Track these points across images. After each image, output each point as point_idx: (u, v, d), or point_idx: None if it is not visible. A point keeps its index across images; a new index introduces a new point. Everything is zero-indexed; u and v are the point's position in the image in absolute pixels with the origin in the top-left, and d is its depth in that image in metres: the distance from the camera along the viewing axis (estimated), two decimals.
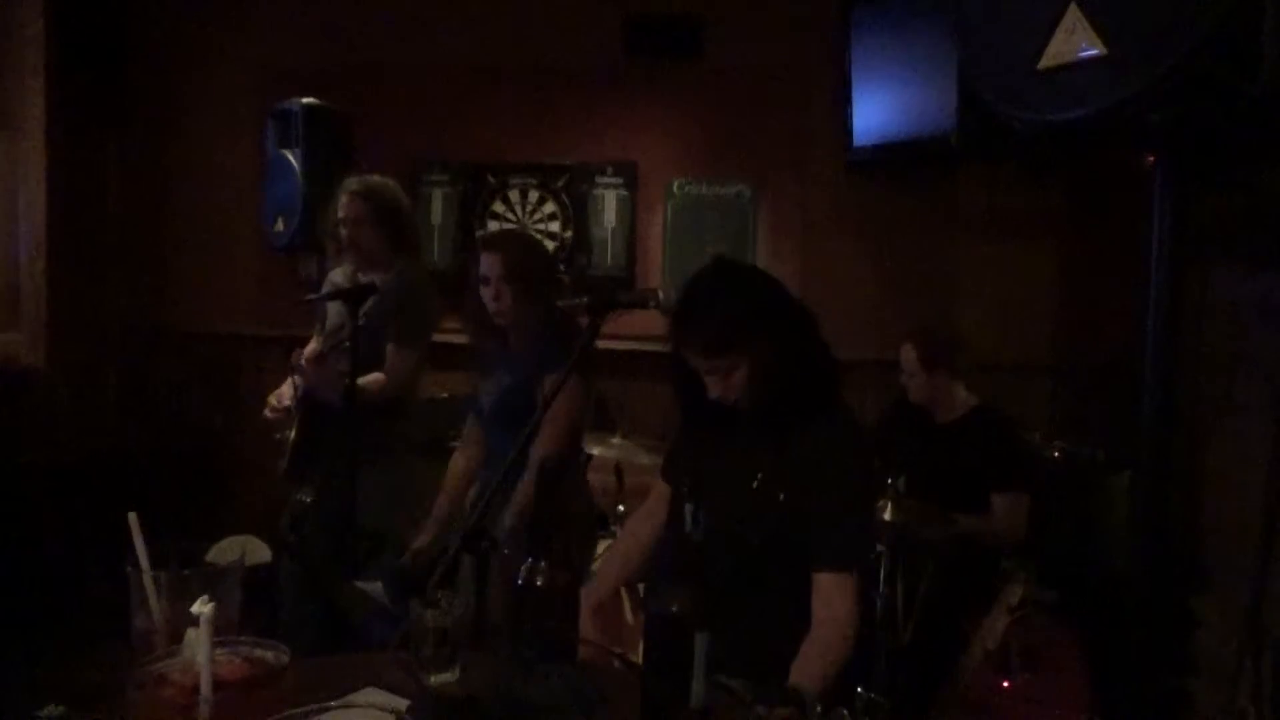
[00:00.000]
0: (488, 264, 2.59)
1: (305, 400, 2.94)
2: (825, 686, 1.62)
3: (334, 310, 3.06)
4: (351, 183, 3.02)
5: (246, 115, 4.54)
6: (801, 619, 1.75)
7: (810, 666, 1.66)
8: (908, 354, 3.19)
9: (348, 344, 2.68)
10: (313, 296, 3.12)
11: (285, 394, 3.04)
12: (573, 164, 4.51)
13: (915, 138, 3.87)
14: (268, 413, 3.03)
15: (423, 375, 3.10)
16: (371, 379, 2.84)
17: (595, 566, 3.22)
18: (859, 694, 2.48)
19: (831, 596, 1.74)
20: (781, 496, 1.79)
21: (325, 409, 2.87)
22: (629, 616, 2.01)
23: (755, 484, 1.81)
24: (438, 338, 3.11)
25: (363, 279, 2.92)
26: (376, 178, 3.06)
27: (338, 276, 3.14)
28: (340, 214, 2.98)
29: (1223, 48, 1.21)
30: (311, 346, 3.13)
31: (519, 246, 2.69)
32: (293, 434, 2.96)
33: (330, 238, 3.09)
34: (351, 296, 2.65)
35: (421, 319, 2.98)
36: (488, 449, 2.79)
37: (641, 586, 2.12)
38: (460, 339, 2.95)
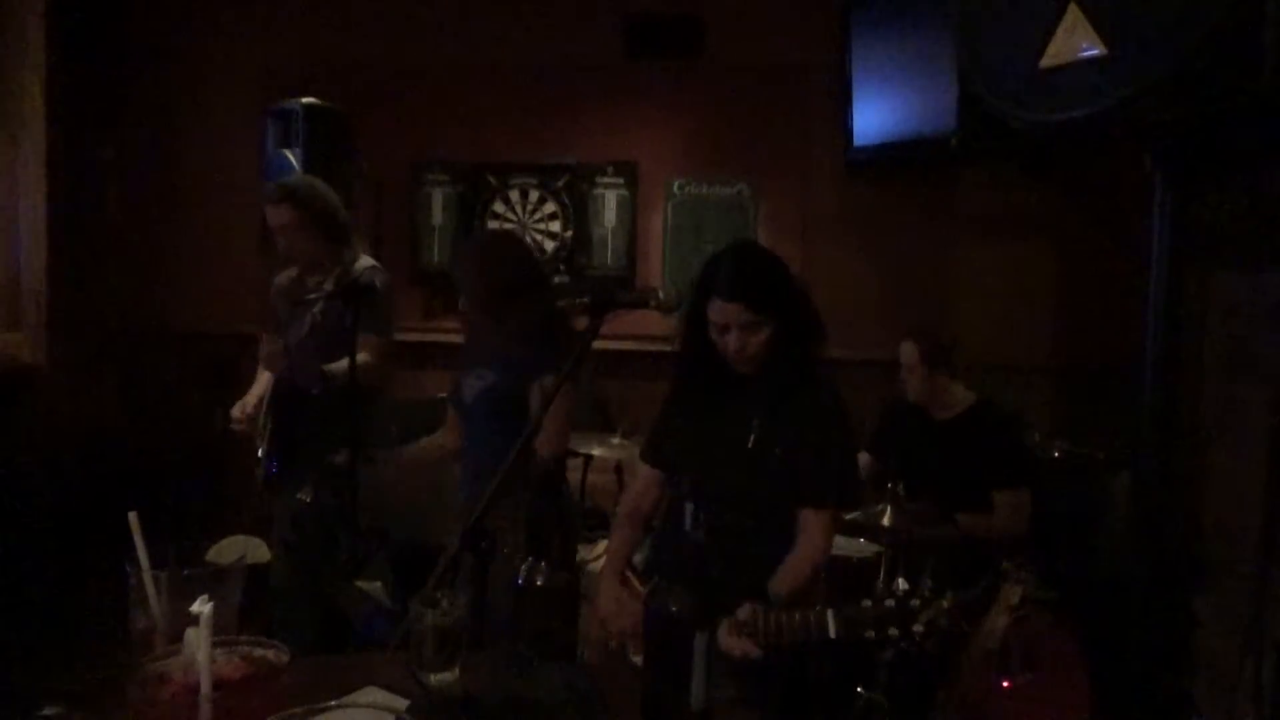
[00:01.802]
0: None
1: (275, 406, 2.92)
2: (791, 593, 1.86)
3: (289, 315, 3.04)
4: (270, 192, 2.95)
5: (246, 115, 4.54)
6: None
7: (782, 577, 1.91)
8: (908, 351, 3.19)
9: (309, 346, 2.68)
10: (311, 296, 3.11)
11: (250, 403, 3.02)
12: (573, 164, 4.51)
13: (915, 138, 3.87)
14: (232, 425, 3.01)
15: (394, 365, 3.07)
16: (340, 368, 2.83)
17: (593, 566, 3.22)
18: (859, 694, 2.49)
19: (810, 528, 1.98)
20: (777, 451, 1.97)
21: (294, 414, 2.85)
22: (638, 586, 2.06)
23: (750, 444, 1.98)
24: (437, 338, 3.11)
25: (309, 280, 2.93)
26: (294, 178, 3.03)
27: (283, 280, 3.10)
28: (269, 224, 2.94)
29: (1223, 48, 1.20)
30: (267, 346, 3.08)
31: (468, 263, 2.65)
32: (263, 445, 2.94)
33: (274, 245, 3.06)
34: (349, 296, 2.64)
35: (381, 303, 2.93)
36: (466, 441, 2.77)
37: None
38: (458, 339, 2.95)
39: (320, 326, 2.83)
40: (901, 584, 1.32)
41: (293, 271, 3.07)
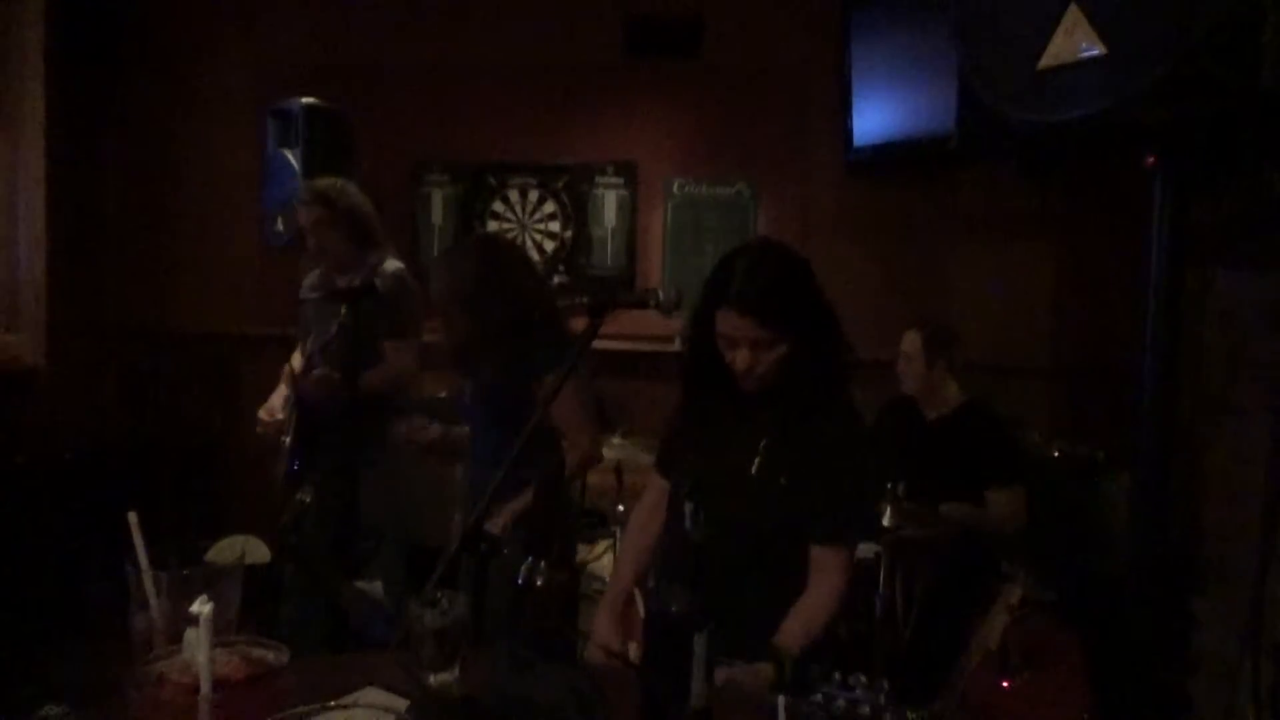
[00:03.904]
0: None
1: (300, 404, 2.94)
2: (805, 646, 1.70)
3: (315, 314, 3.07)
4: (302, 192, 3.03)
5: (246, 115, 4.54)
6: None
7: (793, 627, 1.74)
8: (911, 341, 3.17)
9: (333, 347, 2.68)
10: (311, 298, 3.12)
11: (275, 406, 3.04)
12: (573, 164, 4.51)
13: (915, 138, 3.87)
14: (259, 429, 3.04)
15: (420, 371, 3.10)
16: (374, 374, 2.85)
17: (593, 566, 3.23)
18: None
19: (824, 568, 1.80)
20: (782, 480, 1.80)
21: (320, 411, 2.87)
22: (640, 609, 2.03)
23: (754, 469, 1.81)
24: (438, 337, 3.11)
25: (340, 281, 2.92)
26: (326, 180, 3.05)
27: (313, 280, 3.14)
28: (301, 224, 2.99)
29: (1223, 48, 1.20)
30: (298, 357, 3.13)
31: (438, 275, 2.65)
32: (288, 439, 2.96)
33: (299, 248, 3.11)
34: (349, 297, 2.65)
35: (411, 310, 2.99)
36: (470, 441, 2.77)
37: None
38: None
39: (347, 331, 2.81)
40: (861, 679, 1.26)
41: (319, 272, 3.10)
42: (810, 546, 1.81)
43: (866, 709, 1.21)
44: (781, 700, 1.27)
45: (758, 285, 1.73)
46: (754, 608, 1.78)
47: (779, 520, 1.81)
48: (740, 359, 1.76)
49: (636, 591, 2.05)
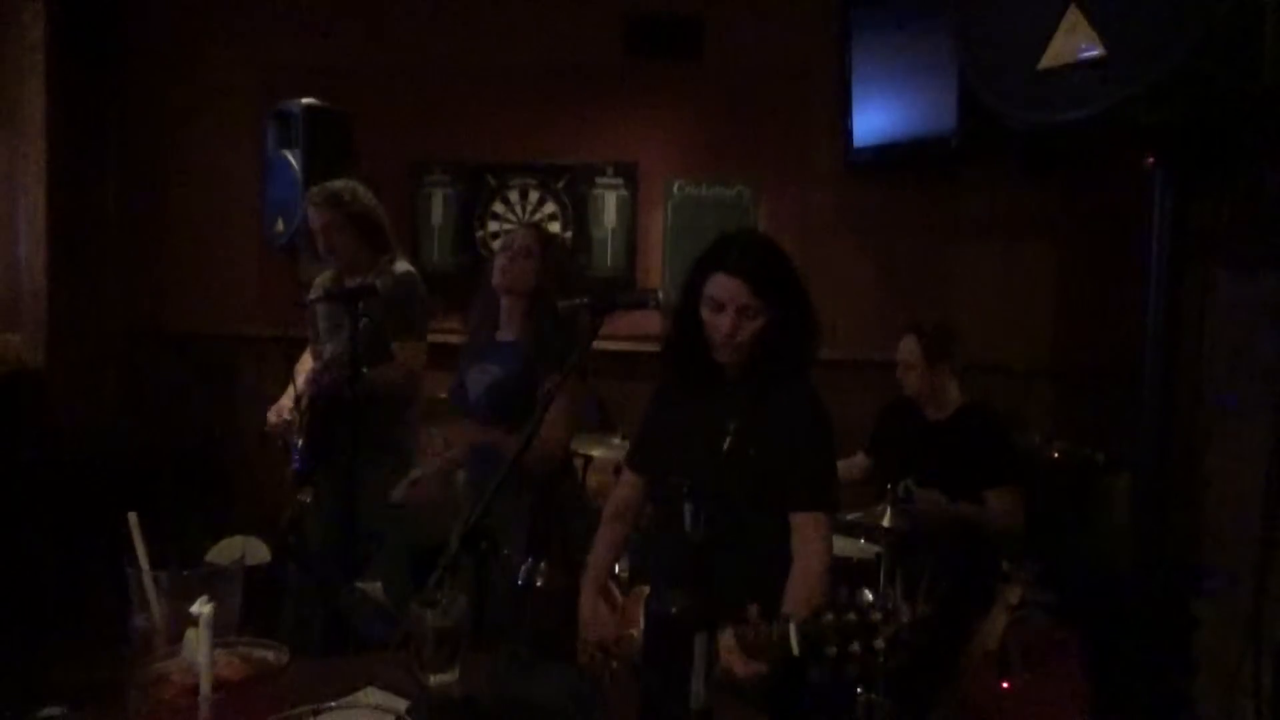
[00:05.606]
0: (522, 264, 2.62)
1: (312, 404, 2.94)
2: (808, 608, 1.73)
3: (324, 314, 3.07)
4: (314, 194, 3.02)
5: (246, 115, 4.54)
6: (780, 559, 1.92)
7: (797, 595, 1.84)
8: (909, 346, 3.16)
9: (345, 348, 2.69)
10: (312, 299, 3.12)
11: (285, 406, 3.04)
12: (573, 164, 4.51)
13: (915, 138, 3.87)
14: (267, 429, 3.04)
15: (423, 373, 3.10)
16: (380, 371, 2.86)
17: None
18: (860, 694, 2.49)
19: (807, 534, 1.92)
20: (751, 452, 1.92)
21: (332, 411, 2.88)
22: (618, 596, 2.05)
23: (726, 444, 1.94)
24: (439, 338, 3.11)
25: (349, 282, 2.92)
26: (338, 182, 3.05)
27: (324, 280, 3.15)
28: (311, 226, 2.99)
29: (1223, 48, 1.21)
30: (306, 358, 3.14)
31: (542, 249, 2.66)
32: (301, 439, 2.96)
33: (306, 248, 3.11)
34: (349, 298, 2.65)
35: (418, 311, 2.99)
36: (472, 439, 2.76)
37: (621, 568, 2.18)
38: (460, 339, 2.96)
39: (360, 333, 2.81)
40: (866, 594, 1.27)
41: (330, 273, 3.10)
42: (792, 515, 1.93)
43: (879, 615, 1.23)
44: (793, 626, 1.28)
45: (753, 255, 1.93)
46: (731, 583, 1.80)
47: (751, 492, 1.93)
48: (725, 323, 1.90)
49: (611, 583, 2.09)
